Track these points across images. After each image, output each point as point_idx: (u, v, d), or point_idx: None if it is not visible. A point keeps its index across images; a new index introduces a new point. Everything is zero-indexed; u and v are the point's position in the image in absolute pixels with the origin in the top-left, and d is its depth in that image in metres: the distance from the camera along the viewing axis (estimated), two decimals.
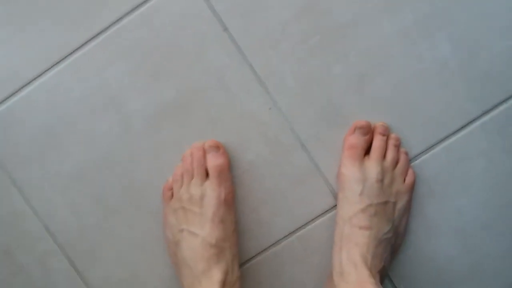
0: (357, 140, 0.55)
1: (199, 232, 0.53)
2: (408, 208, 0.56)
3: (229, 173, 0.56)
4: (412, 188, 0.56)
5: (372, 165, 0.54)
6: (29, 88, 0.57)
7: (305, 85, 0.56)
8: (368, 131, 0.55)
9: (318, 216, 0.58)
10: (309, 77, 0.56)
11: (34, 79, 0.57)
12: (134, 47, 0.56)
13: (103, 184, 0.58)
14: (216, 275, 0.51)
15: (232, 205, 0.56)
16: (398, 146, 0.55)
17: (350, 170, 0.54)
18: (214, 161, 0.55)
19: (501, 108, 0.56)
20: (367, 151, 0.55)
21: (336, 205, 0.57)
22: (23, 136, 0.58)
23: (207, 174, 0.55)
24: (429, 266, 0.58)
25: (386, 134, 0.55)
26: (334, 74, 0.56)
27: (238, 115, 0.57)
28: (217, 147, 0.56)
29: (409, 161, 0.56)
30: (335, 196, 0.57)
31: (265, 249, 0.58)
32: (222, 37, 0.56)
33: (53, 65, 0.56)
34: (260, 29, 0.55)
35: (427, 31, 0.55)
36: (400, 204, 0.55)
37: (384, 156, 0.55)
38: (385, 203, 0.53)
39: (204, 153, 0.55)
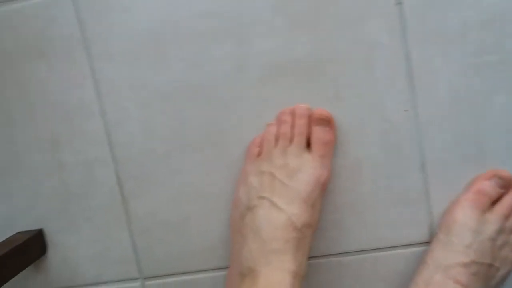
0: (491, 188, 0.47)
1: (285, 207, 0.45)
2: (506, 278, 0.49)
3: (332, 156, 0.49)
4: None
5: (493, 220, 0.46)
6: None
7: (457, 102, 0.47)
8: (508, 186, 0.47)
9: (404, 245, 0.50)
10: (464, 95, 0.47)
11: None
12: None
13: (187, 114, 0.51)
14: (290, 263, 0.43)
15: (324, 192, 0.49)
16: None
17: (467, 216, 0.46)
18: (322, 136, 0.47)
19: None
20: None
21: (428, 242, 0.49)
22: (120, 33, 0.50)
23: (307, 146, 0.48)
24: None
25: None
26: (494, 103, 0.47)
27: (367, 102, 0.48)
28: (328, 121, 0.48)
29: None
30: (432, 233, 0.50)
31: (332, 255, 0.51)
32: (391, 10, 0.46)
33: None
34: (438, 21, 0.46)
35: None
36: (503, 271, 0.47)
37: (510, 215, 0.47)
38: (489, 265, 0.46)
39: (309, 121, 0.47)
